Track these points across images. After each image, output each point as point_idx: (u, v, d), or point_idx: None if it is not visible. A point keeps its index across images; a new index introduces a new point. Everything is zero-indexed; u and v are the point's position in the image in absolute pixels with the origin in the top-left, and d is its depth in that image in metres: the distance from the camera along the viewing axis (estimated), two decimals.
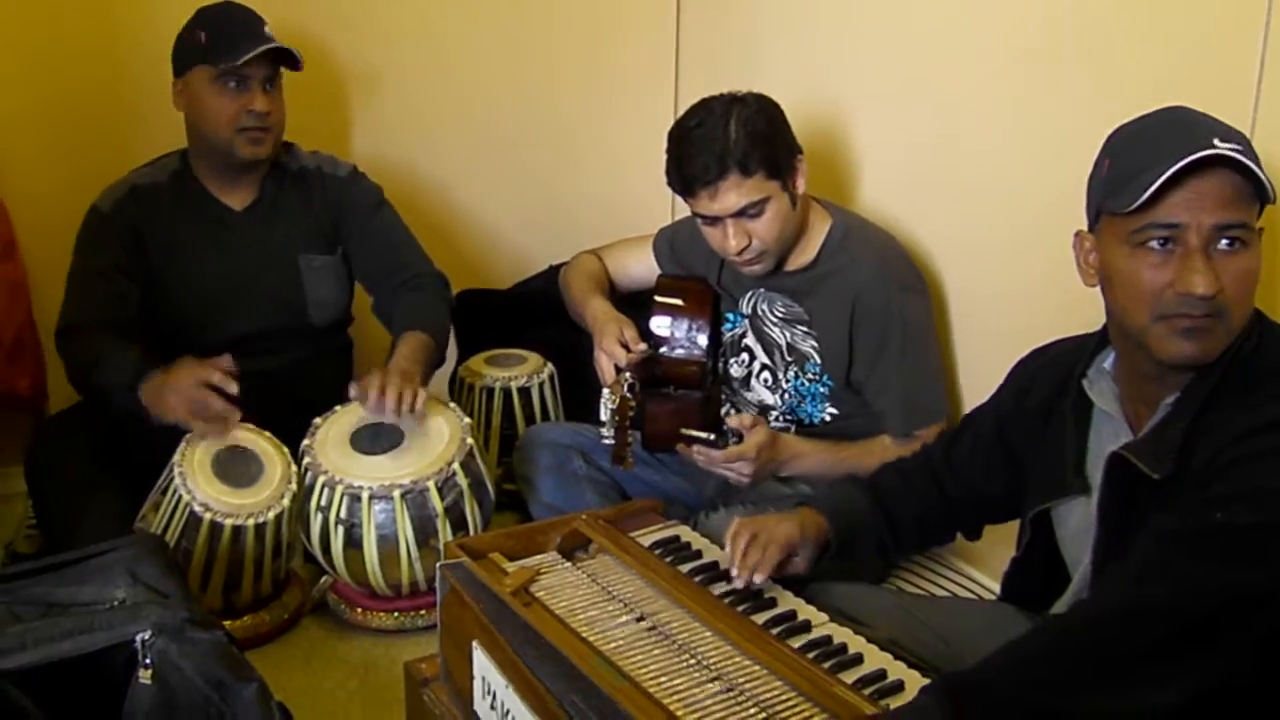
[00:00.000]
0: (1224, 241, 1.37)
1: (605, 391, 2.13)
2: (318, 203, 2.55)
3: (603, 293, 2.49)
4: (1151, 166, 1.38)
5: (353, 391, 2.29)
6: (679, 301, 2.39)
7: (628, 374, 2.13)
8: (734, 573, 1.67)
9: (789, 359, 2.33)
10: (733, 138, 2.11)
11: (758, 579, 1.66)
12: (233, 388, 2.18)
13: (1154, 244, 1.40)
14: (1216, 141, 1.35)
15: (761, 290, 2.34)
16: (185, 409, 2.16)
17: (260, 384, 2.35)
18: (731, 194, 2.13)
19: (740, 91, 2.20)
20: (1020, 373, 1.74)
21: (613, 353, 2.26)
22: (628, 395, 2.10)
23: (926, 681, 1.45)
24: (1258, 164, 1.36)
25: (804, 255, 2.28)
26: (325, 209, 2.56)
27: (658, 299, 2.41)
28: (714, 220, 2.19)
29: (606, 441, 2.15)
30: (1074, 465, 1.58)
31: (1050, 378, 1.66)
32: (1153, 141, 1.42)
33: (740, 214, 2.15)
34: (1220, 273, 1.37)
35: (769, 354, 2.36)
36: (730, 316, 2.42)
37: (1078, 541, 1.59)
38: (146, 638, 1.54)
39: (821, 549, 1.76)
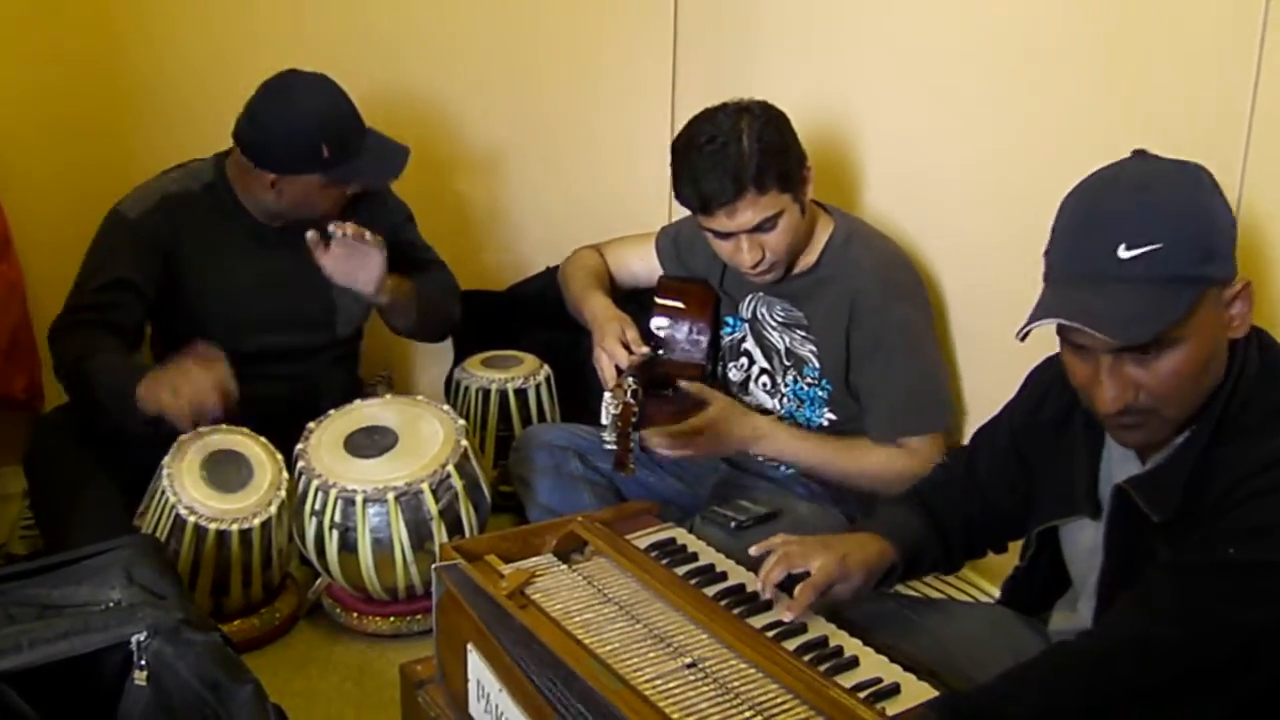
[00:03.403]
0: (1138, 351, 1.34)
1: (607, 395, 2.11)
2: (351, 219, 2.53)
3: (603, 289, 2.48)
4: (1046, 286, 1.38)
5: (332, 227, 2.31)
6: (680, 304, 2.39)
7: (631, 380, 2.11)
8: (761, 588, 1.63)
9: (787, 363, 2.32)
10: (746, 154, 2.08)
11: (787, 616, 1.59)
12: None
13: (1073, 349, 1.40)
14: (1121, 252, 1.31)
15: (761, 294, 2.34)
16: (170, 384, 2.12)
17: (273, 392, 2.35)
18: (748, 211, 2.11)
19: (744, 100, 2.17)
20: (1033, 384, 1.71)
21: (614, 353, 2.25)
22: (630, 401, 2.07)
23: (923, 685, 1.45)
24: (1169, 266, 1.30)
25: (806, 259, 2.27)
26: (358, 224, 2.55)
27: (658, 301, 2.40)
28: (726, 235, 2.17)
29: (609, 447, 2.13)
30: (1085, 487, 1.55)
31: (1063, 391, 1.61)
32: (1060, 247, 1.40)
33: (755, 229, 2.14)
34: (1139, 378, 1.35)
35: (768, 358, 2.36)
36: (729, 321, 2.42)
37: (1085, 560, 1.58)
38: (142, 639, 1.54)
39: (885, 573, 1.69)
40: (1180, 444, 1.42)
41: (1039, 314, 1.36)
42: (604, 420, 2.12)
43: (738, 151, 2.09)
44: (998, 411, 1.76)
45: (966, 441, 2.34)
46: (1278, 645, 1.26)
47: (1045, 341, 1.72)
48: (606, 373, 2.24)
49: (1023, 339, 1.39)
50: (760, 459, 2.30)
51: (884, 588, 1.72)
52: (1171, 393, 1.36)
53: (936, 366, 2.28)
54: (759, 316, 2.35)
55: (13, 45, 2.59)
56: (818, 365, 2.28)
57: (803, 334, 2.29)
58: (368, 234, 2.33)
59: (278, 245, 2.49)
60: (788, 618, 1.58)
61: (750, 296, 2.36)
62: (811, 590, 1.58)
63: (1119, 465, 1.52)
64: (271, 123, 2.33)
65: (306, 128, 2.32)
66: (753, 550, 1.69)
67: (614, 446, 2.10)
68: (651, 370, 2.27)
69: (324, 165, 2.34)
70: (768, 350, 2.35)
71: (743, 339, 2.39)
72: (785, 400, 2.34)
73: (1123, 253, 1.31)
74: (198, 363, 2.17)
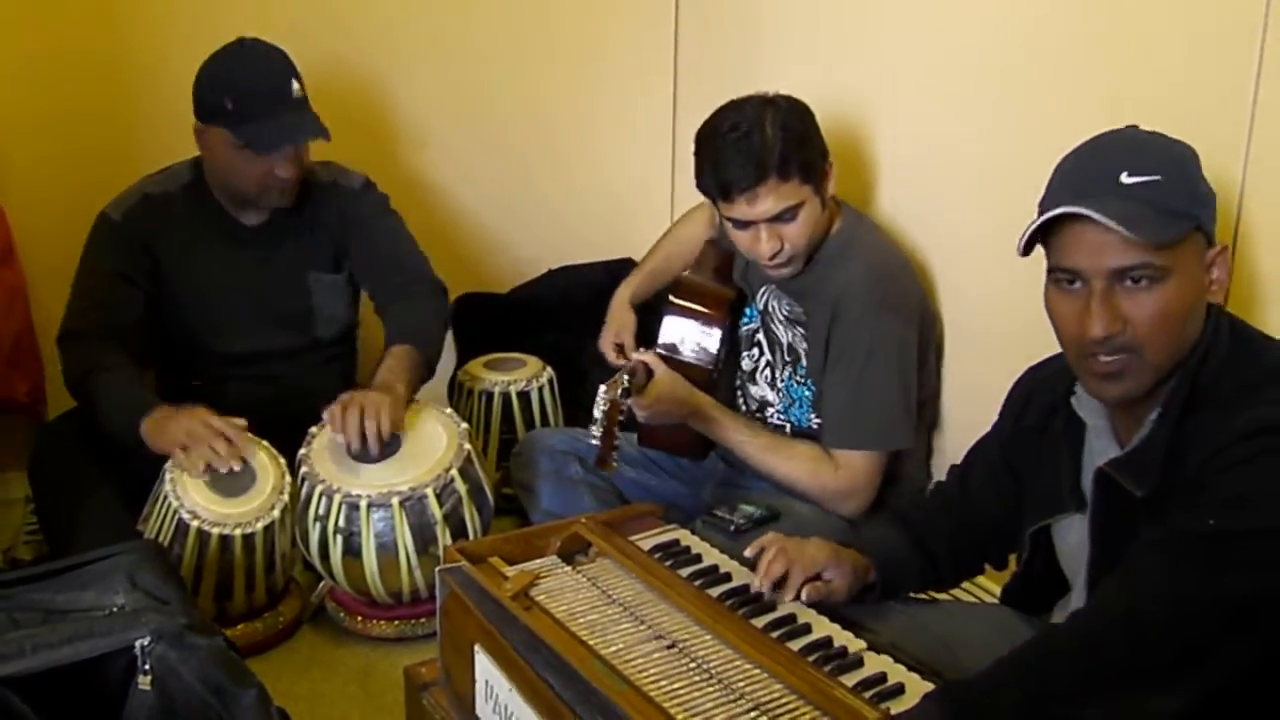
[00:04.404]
0: (1129, 280, 1.38)
1: (601, 389, 2.11)
2: (326, 217, 2.54)
3: (649, 279, 2.65)
4: (1042, 213, 1.42)
5: (326, 416, 2.27)
6: (695, 306, 2.40)
7: (625, 377, 2.11)
8: (757, 582, 1.65)
9: (787, 358, 2.33)
10: (770, 142, 2.09)
11: (787, 596, 1.63)
12: (238, 440, 2.21)
13: (1063, 284, 1.43)
14: (1124, 177, 1.37)
15: (773, 287, 2.34)
16: (181, 440, 2.16)
17: (264, 394, 2.34)
18: (769, 199, 2.11)
19: (770, 93, 2.18)
20: (1016, 394, 1.74)
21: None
22: (619, 399, 2.07)
23: (927, 685, 1.45)
24: (1167, 198, 1.36)
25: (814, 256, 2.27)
26: (334, 223, 2.55)
27: (673, 300, 2.41)
28: (746, 224, 2.17)
29: (593, 441, 2.12)
30: (1070, 482, 1.57)
31: (1044, 396, 1.66)
32: (1057, 182, 1.45)
33: (775, 219, 2.14)
34: (1128, 310, 1.39)
35: (772, 351, 2.37)
36: (748, 311, 2.43)
37: (1077, 556, 1.59)
38: (146, 644, 1.54)
39: (865, 588, 1.73)
40: (1154, 420, 1.44)
41: (1044, 210, 1.40)
42: (596, 414, 2.11)
43: (761, 139, 2.10)
44: (991, 425, 1.78)
45: (944, 449, 2.37)
46: (1263, 614, 1.27)
47: (1036, 347, 1.73)
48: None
49: (1025, 252, 1.43)
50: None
51: (862, 603, 1.72)
52: (1156, 331, 1.39)
53: (897, 386, 2.23)
54: (770, 309, 2.36)
55: (13, 43, 2.60)
56: (806, 364, 2.29)
57: (802, 331, 2.30)
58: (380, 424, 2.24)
59: (252, 244, 2.51)
60: (788, 598, 1.63)
61: (764, 289, 2.37)
62: (802, 570, 1.65)
63: (1099, 455, 1.53)
64: (202, 70, 2.38)
65: (219, 76, 2.35)
66: (747, 552, 1.71)
67: (597, 442, 2.10)
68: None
69: (227, 118, 2.33)
70: (773, 344, 2.36)
71: (757, 330, 2.40)
72: (782, 395, 2.35)
73: (1125, 178, 1.38)
74: (194, 411, 2.21)
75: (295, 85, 2.37)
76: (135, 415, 2.20)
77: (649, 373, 2.22)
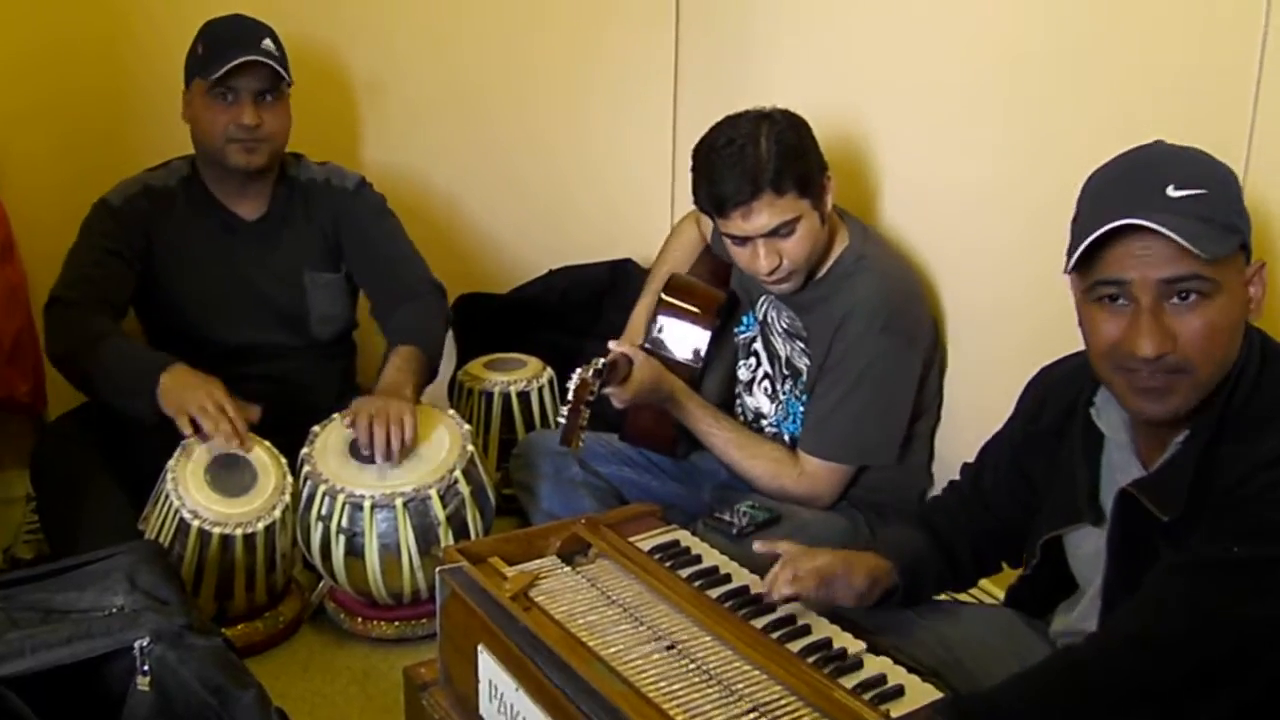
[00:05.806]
0: (1176, 297, 1.35)
1: (577, 370, 2.10)
2: (322, 217, 2.55)
3: (657, 288, 2.52)
4: (1088, 228, 1.37)
5: (346, 423, 2.27)
6: (686, 306, 2.39)
7: (600, 359, 2.09)
8: (765, 588, 1.63)
9: (786, 372, 2.33)
10: (764, 156, 2.08)
11: (785, 592, 1.60)
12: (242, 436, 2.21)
13: (1106, 300, 1.39)
14: (1170, 190, 1.33)
15: (773, 298, 2.34)
16: (199, 408, 2.15)
17: (264, 392, 2.35)
18: (764, 214, 2.10)
19: (767, 108, 2.17)
20: (1030, 395, 1.71)
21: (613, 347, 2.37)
22: (589, 379, 2.04)
23: (927, 686, 1.45)
24: (1215, 212, 1.33)
25: (818, 272, 2.25)
26: (329, 223, 2.55)
27: (664, 297, 2.41)
28: (743, 240, 2.16)
29: (560, 420, 2.10)
30: (1087, 495, 1.55)
31: (1059, 399, 1.63)
32: (1100, 196, 1.40)
33: (772, 234, 2.13)
34: (1176, 328, 1.35)
35: (772, 363, 2.36)
36: (745, 319, 2.42)
37: (1091, 566, 1.57)
38: (145, 644, 1.54)
39: (886, 592, 1.70)
40: (1181, 443, 1.42)
41: (1087, 227, 1.35)
42: (569, 397, 2.09)
43: (755, 154, 2.08)
44: (1001, 426, 1.76)
45: (949, 455, 2.34)
46: None
47: (1041, 353, 1.71)
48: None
49: (1072, 269, 1.39)
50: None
51: (885, 607, 1.71)
52: (1205, 348, 1.35)
53: (885, 410, 2.23)
54: (769, 320, 2.35)
55: (9, 32, 2.58)
56: (807, 380, 2.28)
57: (802, 346, 2.29)
58: (394, 439, 2.23)
59: (249, 237, 2.51)
60: (786, 591, 1.59)
61: (763, 298, 2.36)
62: (815, 575, 1.60)
63: (1120, 471, 1.51)
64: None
65: (201, 30, 2.41)
66: (757, 546, 1.69)
67: (563, 420, 2.08)
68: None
69: (197, 64, 2.38)
70: (772, 356, 2.35)
71: (754, 339, 2.40)
72: (779, 408, 2.34)
73: (1172, 191, 1.33)
74: (217, 386, 2.20)
75: (268, 42, 2.39)
76: (154, 369, 2.19)
77: (630, 363, 2.22)
